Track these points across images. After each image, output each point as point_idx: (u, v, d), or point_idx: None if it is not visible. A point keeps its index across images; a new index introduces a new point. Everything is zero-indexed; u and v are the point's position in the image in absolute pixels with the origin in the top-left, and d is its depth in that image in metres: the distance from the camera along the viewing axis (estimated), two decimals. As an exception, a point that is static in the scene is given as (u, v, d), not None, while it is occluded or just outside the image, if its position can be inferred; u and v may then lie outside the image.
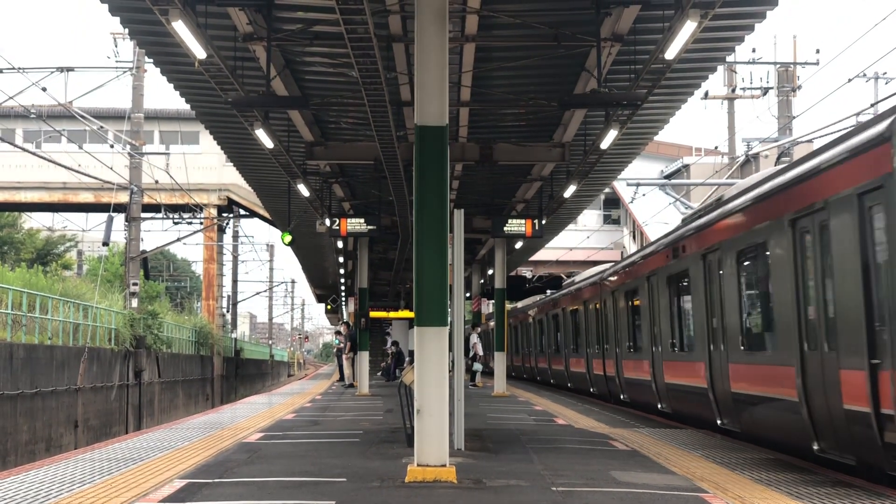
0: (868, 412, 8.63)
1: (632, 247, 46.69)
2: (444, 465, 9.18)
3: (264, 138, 16.12)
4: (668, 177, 45.18)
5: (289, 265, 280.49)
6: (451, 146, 14.12)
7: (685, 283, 15.27)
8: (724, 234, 12.92)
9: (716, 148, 36.99)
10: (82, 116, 30.46)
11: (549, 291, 34.58)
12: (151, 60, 15.50)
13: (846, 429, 9.18)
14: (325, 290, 65.53)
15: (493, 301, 29.87)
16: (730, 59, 27.02)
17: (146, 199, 35.62)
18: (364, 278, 27.86)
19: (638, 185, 28.45)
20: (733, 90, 34.52)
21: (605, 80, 13.38)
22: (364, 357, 26.88)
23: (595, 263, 33.76)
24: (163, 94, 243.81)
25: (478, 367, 29.62)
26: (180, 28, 11.23)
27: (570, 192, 20.91)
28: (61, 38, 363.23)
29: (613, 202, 50.24)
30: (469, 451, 11.38)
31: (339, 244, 30.83)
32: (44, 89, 26.23)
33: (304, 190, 21.31)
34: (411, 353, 29.48)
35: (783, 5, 13.24)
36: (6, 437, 20.92)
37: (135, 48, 32.44)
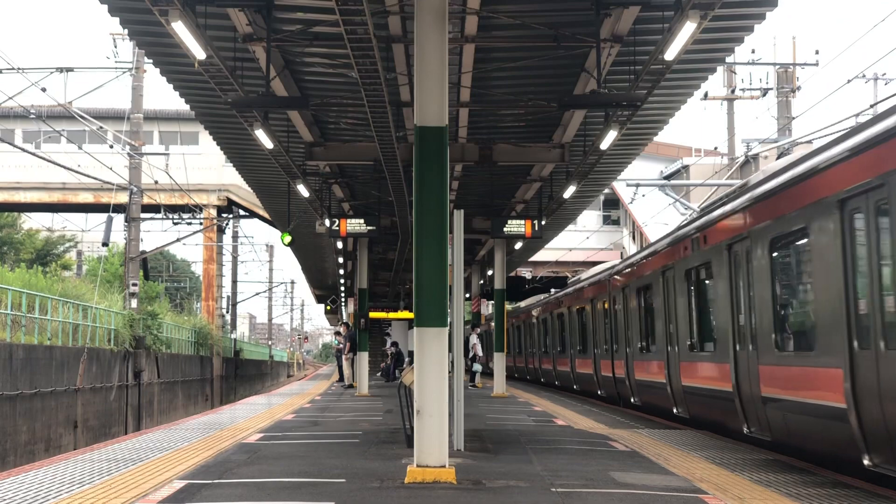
0: None
1: (631, 247, 46.71)
2: (443, 466, 9.17)
3: (264, 139, 16.12)
4: (668, 177, 45.19)
5: (288, 266, 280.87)
6: (450, 147, 14.11)
7: (706, 277, 14.05)
8: (755, 221, 11.63)
9: (715, 149, 37.06)
10: (82, 117, 30.45)
11: (552, 290, 33.96)
12: (151, 61, 15.51)
13: None
14: (324, 291, 65.55)
15: (492, 302, 29.85)
16: (729, 59, 27.07)
17: (146, 200, 35.62)
18: (364, 279, 27.86)
19: (637, 185, 28.44)
20: (733, 91, 34.56)
21: (605, 80, 13.39)
22: (363, 358, 26.88)
23: (595, 264, 33.64)
24: (162, 94, 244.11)
25: (477, 367, 29.59)
26: (180, 28, 11.23)
27: (569, 192, 20.91)
28: (61, 38, 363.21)
29: (613, 203, 50.31)
30: (469, 452, 11.37)
31: (339, 245, 30.84)
32: (43, 90, 26.23)
33: (303, 190, 21.31)
34: (411, 354, 29.50)
35: (782, 6, 13.27)
36: (5, 437, 20.91)
37: (134, 48, 32.44)
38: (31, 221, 59.74)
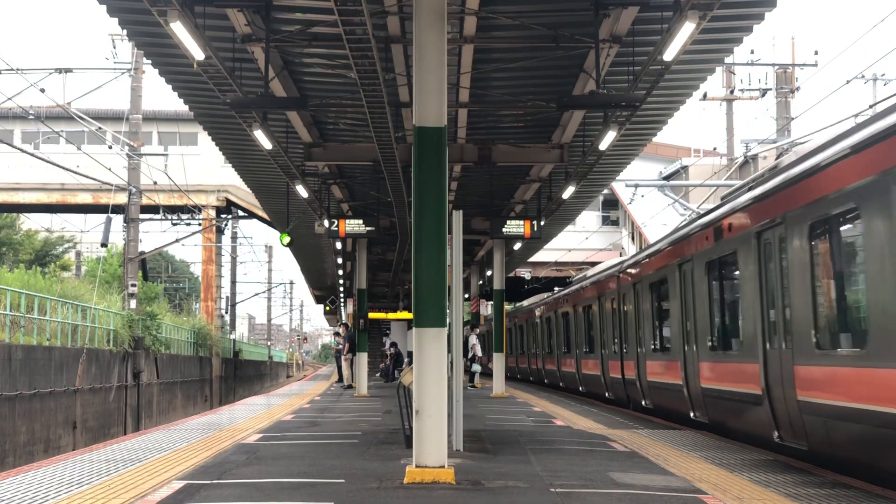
0: None
1: (630, 248, 46.72)
2: (442, 467, 9.17)
3: (263, 139, 16.12)
4: (667, 178, 45.17)
5: (287, 266, 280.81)
6: (449, 147, 14.15)
7: (731, 269, 12.87)
8: (791, 204, 10.35)
9: (714, 149, 37.07)
10: (80, 117, 30.45)
11: (556, 288, 33.59)
12: (150, 61, 15.50)
13: None
14: (323, 292, 65.56)
15: (491, 302, 29.85)
16: (728, 60, 27.08)
17: (145, 201, 35.62)
18: (363, 279, 27.86)
19: (637, 186, 28.42)
20: (732, 91, 34.61)
21: (604, 81, 13.39)
22: (363, 358, 26.88)
23: (594, 264, 33.58)
24: (161, 95, 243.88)
25: (476, 368, 29.60)
26: (178, 29, 11.23)
27: (568, 193, 20.91)
28: (60, 38, 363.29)
29: (612, 203, 50.29)
30: (468, 452, 11.37)
31: (338, 245, 30.84)
32: (42, 90, 26.25)
33: (302, 191, 21.31)
34: (410, 355, 29.51)
35: (781, 6, 13.23)
36: (4, 438, 20.91)
37: (133, 49, 32.43)
38: (29, 222, 59.74)
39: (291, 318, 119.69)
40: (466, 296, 36.59)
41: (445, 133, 9.66)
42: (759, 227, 11.39)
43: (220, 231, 50.84)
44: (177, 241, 41.26)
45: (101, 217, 33.33)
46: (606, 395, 21.92)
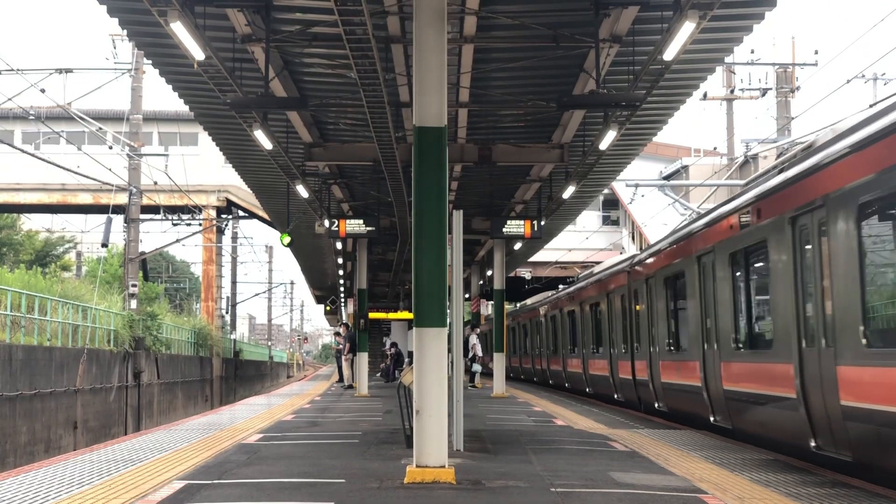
0: None
1: (631, 248, 46.72)
2: (443, 466, 9.17)
3: (263, 139, 16.12)
4: (668, 178, 45.19)
5: (288, 266, 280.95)
6: (449, 147, 14.16)
7: (760, 259, 11.74)
8: (833, 185, 9.21)
9: (715, 149, 37.11)
10: (81, 118, 30.45)
11: (560, 286, 33.25)
12: (150, 62, 15.51)
13: None
14: (324, 292, 65.57)
15: (492, 302, 29.85)
16: (728, 59, 27.08)
17: (145, 201, 35.62)
18: (363, 279, 27.87)
19: (637, 185, 28.43)
20: (732, 91, 34.61)
21: (604, 80, 13.40)
22: (363, 358, 26.88)
23: (594, 264, 33.54)
24: (162, 95, 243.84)
25: (477, 368, 29.60)
26: (178, 29, 11.23)
27: (568, 192, 20.91)
28: (60, 38, 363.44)
29: (612, 203, 50.31)
30: (468, 452, 11.37)
31: (339, 245, 30.85)
32: (42, 91, 26.25)
33: (302, 191, 21.31)
34: (410, 354, 29.51)
35: (781, 6, 13.23)
36: (5, 438, 20.91)
37: (133, 49, 32.42)
38: (30, 223, 59.77)
39: (292, 319, 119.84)
40: (467, 296, 36.59)
41: (445, 133, 9.66)
42: (793, 211, 10.26)
43: (220, 231, 50.84)
44: (177, 241, 41.28)
45: (102, 217, 33.33)
46: (615, 396, 21.06)
